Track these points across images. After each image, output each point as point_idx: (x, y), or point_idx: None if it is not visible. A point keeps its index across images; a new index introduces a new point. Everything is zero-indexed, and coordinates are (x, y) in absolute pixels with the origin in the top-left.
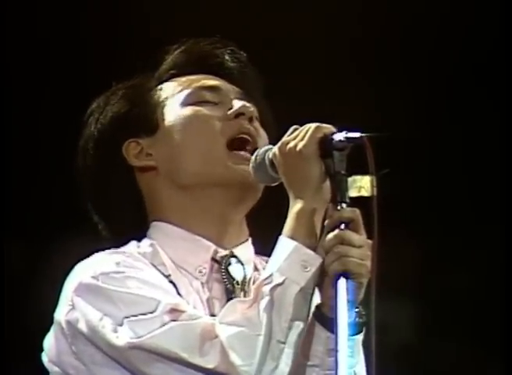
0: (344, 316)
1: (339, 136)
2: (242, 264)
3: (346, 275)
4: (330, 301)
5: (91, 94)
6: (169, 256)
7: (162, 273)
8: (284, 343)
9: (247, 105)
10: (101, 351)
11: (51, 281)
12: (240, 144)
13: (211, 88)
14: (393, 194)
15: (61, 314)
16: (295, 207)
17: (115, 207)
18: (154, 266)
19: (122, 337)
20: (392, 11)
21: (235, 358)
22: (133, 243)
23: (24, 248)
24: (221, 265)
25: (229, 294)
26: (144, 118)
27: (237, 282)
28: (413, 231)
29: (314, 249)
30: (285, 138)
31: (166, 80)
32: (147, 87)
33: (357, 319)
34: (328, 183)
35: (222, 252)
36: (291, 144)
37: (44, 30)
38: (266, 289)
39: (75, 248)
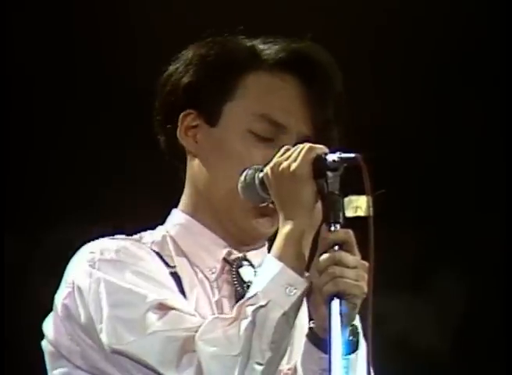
0: (338, 337)
1: (333, 156)
2: (253, 267)
3: (340, 296)
4: (323, 323)
5: (83, 88)
6: (182, 248)
7: (167, 263)
8: (262, 365)
9: None
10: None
11: (45, 273)
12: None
13: (279, 126)
14: (391, 190)
15: (58, 296)
16: (285, 228)
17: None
18: (161, 256)
19: (103, 338)
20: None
21: None
22: (147, 232)
23: (17, 240)
24: (232, 266)
25: (239, 296)
26: (213, 105)
27: (247, 285)
28: (411, 225)
29: (302, 271)
30: (277, 159)
31: (253, 68)
32: (236, 68)
33: (351, 337)
34: (319, 204)
35: (235, 254)
36: (284, 165)
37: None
38: (249, 310)
39: (70, 239)
